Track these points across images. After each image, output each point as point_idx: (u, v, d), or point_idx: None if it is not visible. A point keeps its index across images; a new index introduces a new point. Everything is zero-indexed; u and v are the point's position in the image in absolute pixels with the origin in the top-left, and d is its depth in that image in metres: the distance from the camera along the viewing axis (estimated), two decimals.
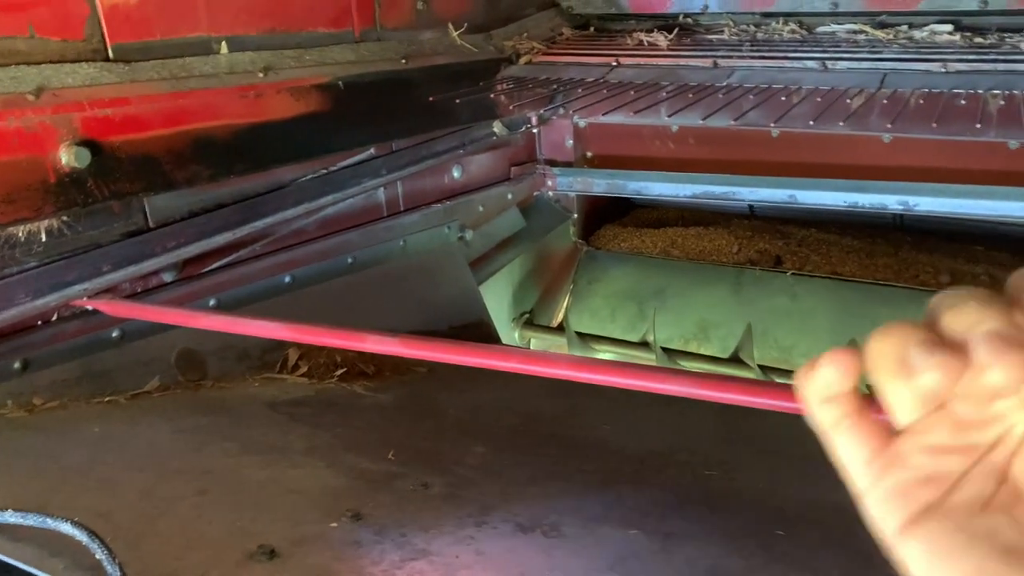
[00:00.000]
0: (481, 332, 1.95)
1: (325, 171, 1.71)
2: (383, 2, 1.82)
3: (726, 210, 2.66)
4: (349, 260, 1.74)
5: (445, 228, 1.99)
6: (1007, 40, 1.87)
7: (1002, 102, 1.61)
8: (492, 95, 2.05)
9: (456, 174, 2.06)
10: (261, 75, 1.54)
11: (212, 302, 1.50)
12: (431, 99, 1.86)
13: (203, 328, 1.19)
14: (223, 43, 1.50)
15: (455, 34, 2.00)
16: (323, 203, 1.68)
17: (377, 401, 1.43)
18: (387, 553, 0.89)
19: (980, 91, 1.66)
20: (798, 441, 1.40)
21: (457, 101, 1.91)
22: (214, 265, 1.52)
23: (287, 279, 1.62)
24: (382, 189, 1.84)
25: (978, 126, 1.54)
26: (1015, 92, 1.63)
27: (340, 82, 1.66)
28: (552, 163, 2.36)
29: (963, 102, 1.61)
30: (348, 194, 1.73)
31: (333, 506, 0.98)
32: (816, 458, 1.34)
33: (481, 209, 2.12)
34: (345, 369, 1.53)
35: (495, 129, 2.13)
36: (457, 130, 2.01)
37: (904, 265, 2.30)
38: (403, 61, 1.83)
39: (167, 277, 1.46)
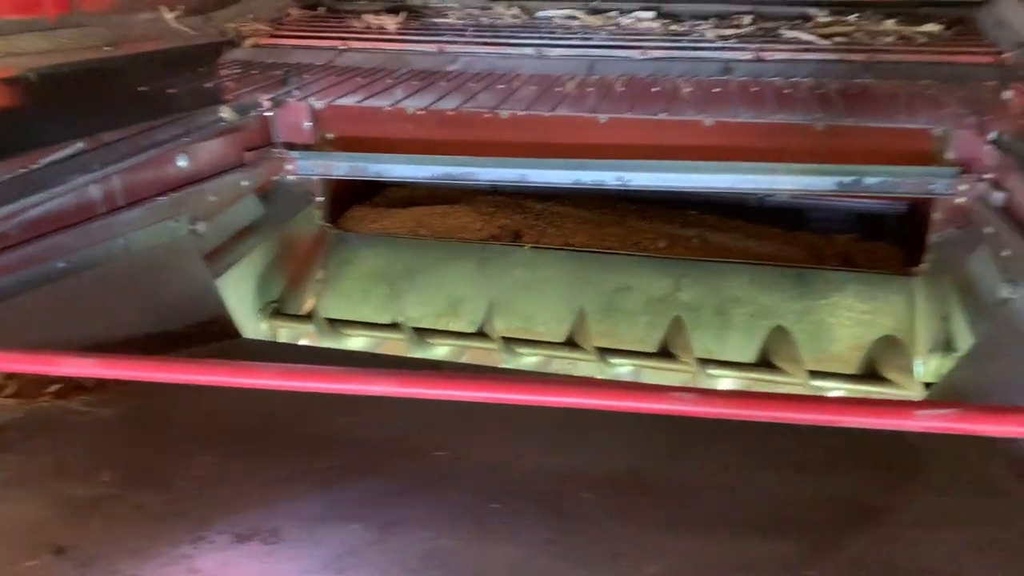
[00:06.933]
0: (219, 328, 1.89)
1: (25, 170, 1.57)
2: None
3: (470, 187, 2.74)
4: (60, 265, 1.62)
5: (173, 222, 1.90)
6: (697, 27, 2.07)
7: (690, 88, 1.79)
8: (216, 80, 1.97)
9: (182, 164, 1.96)
10: None
11: None
12: (143, 88, 1.75)
13: None
14: None
15: (170, 17, 1.89)
16: (24, 205, 1.55)
17: (97, 417, 1.35)
18: None
19: (673, 76, 1.84)
20: (532, 407, 1.50)
21: (175, 89, 1.81)
22: None
23: None
24: (96, 185, 1.72)
25: (670, 108, 1.70)
26: (700, 77, 1.82)
27: (32, 74, 1.52)
28: (291, 146, 2.31)
29: (657, 88, 1.77)
30: (54, 193, 1.60)
31: (33, 543, 0.93)
32: (544, 422, 1.43)
33: (213, 199, 2.04)
34: (61, 384, 1.43)
35: (223, 114, 2.05)
36: (180, 118, 1.92)
37: (629, 232, 2.50)
38: (108, 48, 1.70)
39: None
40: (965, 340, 1.78)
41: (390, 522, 1.02)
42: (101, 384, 1.49)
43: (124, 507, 1.02)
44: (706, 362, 2.01)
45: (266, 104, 2.15)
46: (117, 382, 1.50)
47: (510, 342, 2.14)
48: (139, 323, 1.74)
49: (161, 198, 1.88)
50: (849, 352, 2.11)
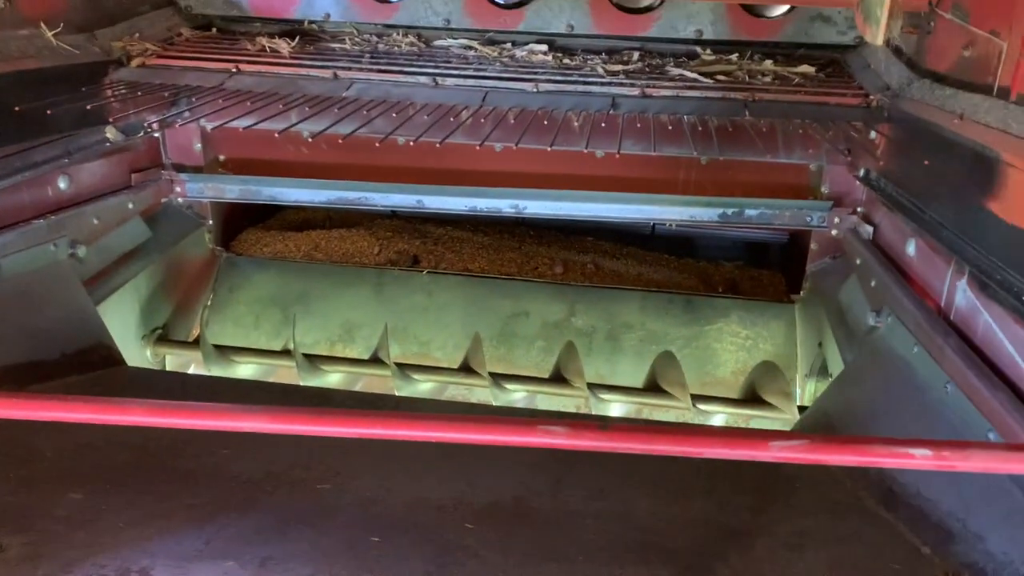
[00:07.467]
0: (101, 355, 1.82)
1: None
2: None
3: (368, 211, 2.73)
4: None
5: (51, 246, 1.82)
6: (589, 61, 2.13)
7: (578, 122, 1.84)
8: (100, 100, 1.91)
9: (63, 185, 1.89)
10: None
11: None
12: (20, 107, 1.68)
13: None
14: None
15: (50, 35, 1.83)
16: None
17: None
18: None
19: (564, 109, 1.88)
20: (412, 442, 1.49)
21: (56, 108, 1.75)
22: None
23: None
24: None
25: (561, 139, 1.74)
26: (590, 111, 1.87)
27: None
28: (181, 168, 2.25)
29: (546, 123, 1.81)
30: None
31: None
32: (431, 451, 1.42)
33: (96, 222, 1.97)
34: None
35: (108, 135, 1.99)
36: (60, 138, 1.85)
37: (526, 258, 2.54)
38: None
39: None
40: (838, 365, 1.88)
41: (267, 559, 1.01)
42: None
43: None
44: (597, 387, 2.05)
45: (154, 125, 2.10)
46: None
47: (405, 368, 2.14)
48: (12, 352, 1.66)
49: (38, 221, 1.80)
50: (733, 376, 2.20)
